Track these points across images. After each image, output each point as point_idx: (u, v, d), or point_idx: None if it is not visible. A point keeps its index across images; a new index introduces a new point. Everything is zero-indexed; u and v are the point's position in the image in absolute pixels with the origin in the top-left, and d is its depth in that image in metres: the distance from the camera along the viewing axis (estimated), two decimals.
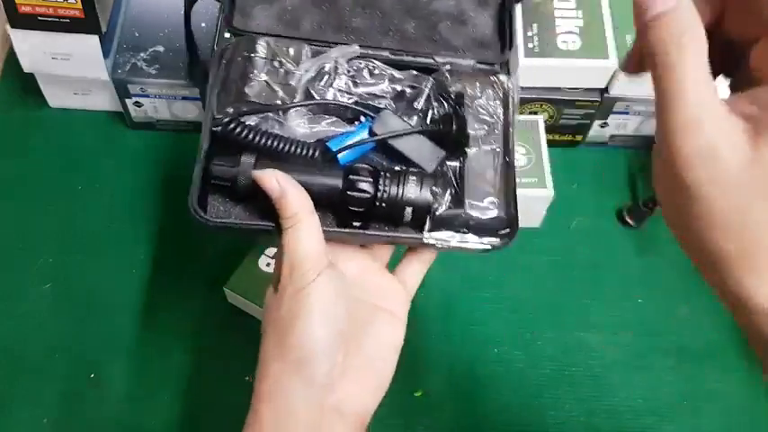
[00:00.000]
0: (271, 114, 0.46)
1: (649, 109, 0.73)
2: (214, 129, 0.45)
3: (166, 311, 0.66)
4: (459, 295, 0.68)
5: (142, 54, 0.69)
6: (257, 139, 0.44)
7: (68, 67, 0.68)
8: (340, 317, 0.41)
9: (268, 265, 0.64)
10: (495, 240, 0.45)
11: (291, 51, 0.48)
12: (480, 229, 0.45)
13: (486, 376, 0.64)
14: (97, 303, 0.66)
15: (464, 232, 0.45)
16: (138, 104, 0.72)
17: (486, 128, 0.48)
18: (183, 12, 0.71)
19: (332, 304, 0.40)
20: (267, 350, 0.41)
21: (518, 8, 0.71)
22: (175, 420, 0.61)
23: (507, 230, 0.46)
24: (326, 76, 0.48)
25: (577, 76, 0.71)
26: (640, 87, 0.71)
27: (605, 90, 0.72)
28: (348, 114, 0.48)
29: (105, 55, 0.68)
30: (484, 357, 0.65)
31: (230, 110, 0.45)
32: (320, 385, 0.40)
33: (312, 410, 0.40)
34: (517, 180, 0.70)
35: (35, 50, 0.67)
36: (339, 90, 0.48)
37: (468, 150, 0.47)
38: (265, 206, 0.44)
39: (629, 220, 0.72)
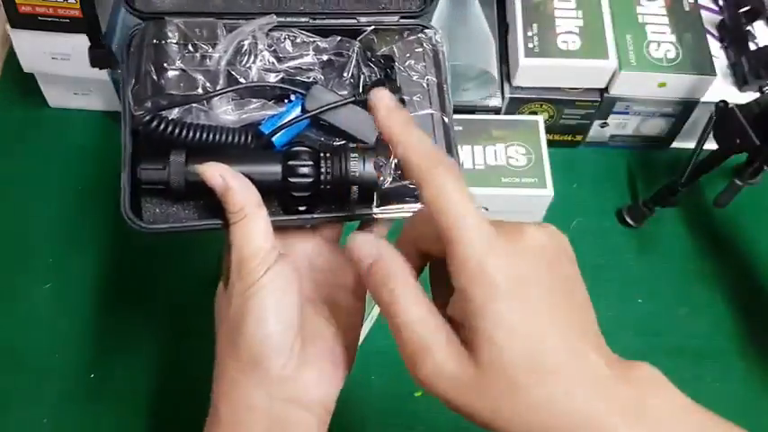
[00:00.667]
0: (194, 105, 0.43)
1: (649, 109, 0.73)
2: (135, 128, 0.42)
3: (166, 311, 0.66)
4: None
5: None
6: (184, 133, 0.41)
7: (68, 67, 0.68)
8: (291, 310, 0.40)
9: None
10: None
11: (204, 32, 0.44)
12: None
13: None
14: (97, 303, 0.66)
15: (413, 201, 0.43)
16: None
17: (420, 90, 0.46)
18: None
19: (282, 299, 0.39)
20: (221, 349, 0.41)
21: (518, 10, 0.71)
22: (175, 420, 0.61)
23: None
24: (247, 55, 0.44)
25: (577, 76, 0.71)
26: (640, 87, 0.71)
27: (605, 90, 0.72)
28: (276, 93, 0.45)
29: None
30: None
31: (149, 105, 0.41)
32: (277, 379, 0.39)
33: (271, 405, 0.39)
34: (517, 180, 0.70)
35: (35, 50, 0.67)
36: (263, 69, 0.44)
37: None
38: (208, 202, 0.41)
39: (629, 220, 0.72)
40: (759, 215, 0.74)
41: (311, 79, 0.46)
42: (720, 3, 0.78)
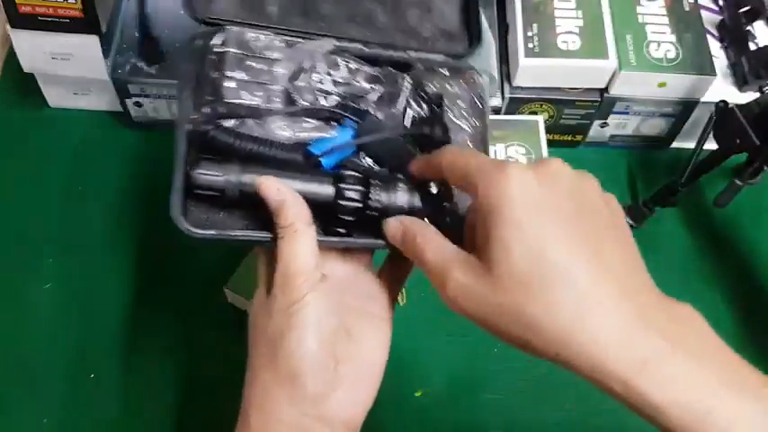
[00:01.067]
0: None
1: (649, 109, 0.74)
2: (191, 131, 0.42)
3: (166, 311, 0.66)
4: None
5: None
6: (239, 142, 0.41)
7: (68, 67, 0.68)
8: (330, 330, 0.41)
9: None
10: None
11: (264, 44, 0.45)
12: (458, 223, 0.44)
13: (486, 376, 0.64)
14: (97, 303, 0.66)
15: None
16: (138, 104, 0.72)
17: (464, 130, 0.47)
18: (183, 12, 0.71)
19: (323, 318, 0.40)
20: (257, 357, 0.41)
21: (518, 10, 0.71)
22: (175, 420, 0.61)
23: None
24: (305, 74, 0.45)
25: (577, 76, 0.71)
26: (640, 87, 0.71)
27: (605, 90, 0.72)
28: (328, 115, 0.45)
29: (105, 55, 0.68)
30: (484, 357, 0.65)
31: (207, 110, 0.42)
32: (311, 397, 0.40)
33: (300, 421, 0.40)
34: None
35: (35, 50, 0.67)
36: (318, 90, 0.45)
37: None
38: (257, 214, 0.42)
39: (629, 220, 0.72)
40: (759, 215, 0.74)
41: (364, 107, 0.46)
42: (720, 3, 0.78)
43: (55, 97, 0.75)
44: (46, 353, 0.63)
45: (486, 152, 0.49)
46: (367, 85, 0.47)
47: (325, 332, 0.40)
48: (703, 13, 0.75)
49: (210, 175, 0.41)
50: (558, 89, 0.72)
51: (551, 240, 0.33)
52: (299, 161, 0.43)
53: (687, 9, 0.74)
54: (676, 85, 0.71)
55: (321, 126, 0.45)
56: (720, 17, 0.77)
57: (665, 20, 0.73)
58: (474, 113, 0.49)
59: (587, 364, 0.34)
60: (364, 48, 0.48)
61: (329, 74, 0.46)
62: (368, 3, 0.50)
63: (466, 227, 0.41)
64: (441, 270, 0.37)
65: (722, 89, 0.72)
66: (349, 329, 0.42)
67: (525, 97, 0.71)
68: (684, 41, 0.71)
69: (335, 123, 0.45)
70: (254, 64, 0.44)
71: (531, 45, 0.69)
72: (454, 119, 0.48)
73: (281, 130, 0.43)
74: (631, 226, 0.72)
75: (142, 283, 0.67)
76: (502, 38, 0.73)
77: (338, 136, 0.45)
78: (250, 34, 0.45)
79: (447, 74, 0.50)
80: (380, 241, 0.44)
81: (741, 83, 0.73)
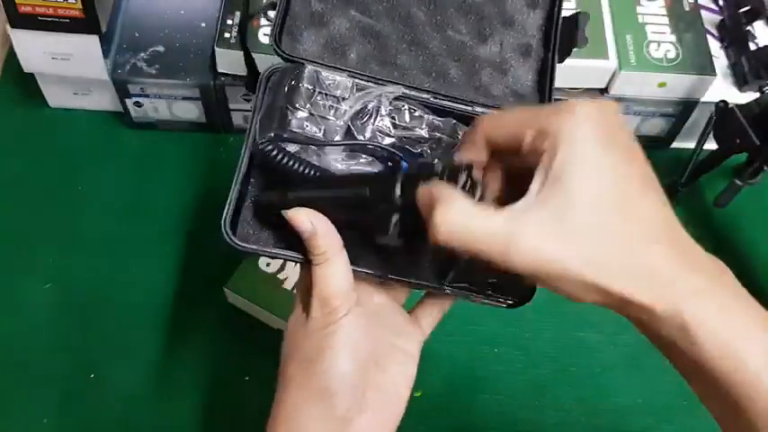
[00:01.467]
0: (311, 146, 0.46)
1: (649, 109, 0.74)
2: (253, 151, 0.45)
3: (166, 311, 0.66)
4: None
5: (142, 54, 0.69)
6: (296, 166, 0.44)
7: (68, 67, 0.68)
8: (365, 354, 0.42)
9: (268, 265, 0.64)
10: (511, 300, 0.46)
11: (337, 84, 0.48)
12: (500, 286, 0.45)
13: (486, 376, 0.64)
14: (98, 303, 0.66)
15: (485, 287, 0.45)
16: (138, 104, 0.72)
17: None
18: (184, 12, 0.71)
19: (357, 342, 0.41)
20: (289, 375, 0.42)
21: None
22: (175, 420, 0.61)
23: (528, 290, 0.46)
24: (368, 115, 0.48)
25: (577, 76, 0.71)
26: (640, 87, 0.71)
27: (605, 90, 0.72)
28: (385, 155, 0.48)
29: (105, 55, 0.68)
30: (484, 357, 0.65)
31: (272, 134, 0.45)
32: (339, 419, 0.41)
33: None
34: None
35: (35, 50, 0.67)
36: (379, 131, 0.48)
37: None
38: (296, 237, 0.44)
39: None
40: (759, 215, 0.74)
41: (419, 151, 0.48)
42: (720, 3, 0.78)
43: (55, 97, 0.75)
44: (46, 353, 0.63)
45: None
46: (426, 133, 0.49)
47: (359, 355, 0.42)
48: (703, 13, 0.75)
49: (272, 197, 0.45)
50: (558, 89, 0.71)
51: (626, 176, 0.33)
52: (348, 194, 0.45)
53: (687, 9, 0.74)
54: (676, 85, 0.71)
55: (375, 163, 0.47)
56: (720, 17, 0.77)
57: (665, 20, 0.73)
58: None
59: (646, 293, 0.34)
60: (431, 98, 0.50)
61: (392, 117, 0.48)
62: (444, 58, 0.52)
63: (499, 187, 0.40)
64: (441, 196, 0.35)
65: (722, 89, 0.72)
66: (378, 359, 0.43)
67: None
68: (684, 41, 0.71)
69: (390, 163, 0.47)
70: (321, 100, 0.47)
71: None
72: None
73: (337, 162, 0.46)
74: None
75: (142, 283, 0.67)
76: None
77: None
78: (324, 74, 0.48)
79: None
80: (416, 281, 0.45)
81: (741, 83, 0.73)
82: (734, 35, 0.74)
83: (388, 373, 0.44)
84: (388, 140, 0.48)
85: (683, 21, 0.73)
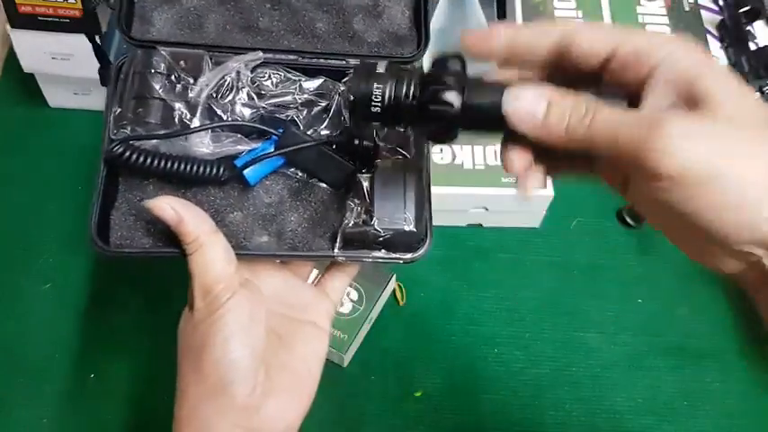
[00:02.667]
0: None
1: None
2: (108, 153, 0.43)
3: (166, 311, 0.66)
4: (459, 295, 0.68)
5: None
6: (155, 163, 0.43)
7: (68, 67, 0.68)
8: (257, 336, 0.40)
9: None
10: (406, 255, 0.44)
11: (190, 64, 0.45)
12: (390, 244, 0.44)
13: (486, 376, 0.64)
14: (97, 303, 0.66)
15: (376, 248, 0.44)
16: None
17: (400, 136, 0.46)
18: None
19: (247, 325, 0.40)
20: (184, 375, 0.41)
21: (518, 10, 0.71)
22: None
23: (419, 244, 0.44)
24: (229, 89, 0.45)
25: None
26: None
27: None
28: (253, 131, 0.46)
29: None
30: (484, 357, 0.65)
31: (127, 131, 0.43)
32: (241, 408, 0.39)
33: None
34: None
35: (35, 50, 0.67)
36: (243, 104, 0.45)
37: (378, 162, 0.45)
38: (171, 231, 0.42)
39: (629, 220, 0.72)
40: None
41: (289, 118, 0.46)
42: (720, 3, 0.78)
43: (55, 97, 0.74)
44: (46, 353, 0.63)
45: (422, 150, 0.46)
46: (294, 96, 0.46)
47: (253, 338, 0.40)
48: (703, 13, 0.75)
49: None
50: None
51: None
52: (220, 176, 0.44)
53: (687, 9, 0.74)
54: None
55: (243, 140, 0.45)
56: (720, 17, 0.77)
57: (665, 20, 0.73)
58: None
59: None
60: (298, 58, 0.47)
61: (257, 87, 0.46)
62: (311, 12, 0.49)
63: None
64: (649, 121, 0.30)
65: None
66: (282, 337, 0.42)
67: None
68: None
69: (264, 138, 0.45)
70: (175, 81, 0.45)
71: None
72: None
73: (203, 147, 0.44)
74: (631, 226, 0.72)
75: (141, 282, 0.67)
76: None
77: (261, 148, 0.45)
78: (177, 55, 0.45)
79: None
80: (305, 253, 0.44)
81: None
82: (734, 35, 0.74)
83: (293, 349, 0.42)
84: (251, 113, 0.46)
85: (683, 21, 0.73)
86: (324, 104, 0.47)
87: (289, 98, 0.46)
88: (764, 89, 0.70)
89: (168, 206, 0.40)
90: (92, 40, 0.55)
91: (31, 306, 0.65)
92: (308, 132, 0.45)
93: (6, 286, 0.66)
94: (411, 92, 0.36)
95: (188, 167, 0.43)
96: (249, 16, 0.49)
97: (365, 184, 0.44)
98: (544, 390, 0.64)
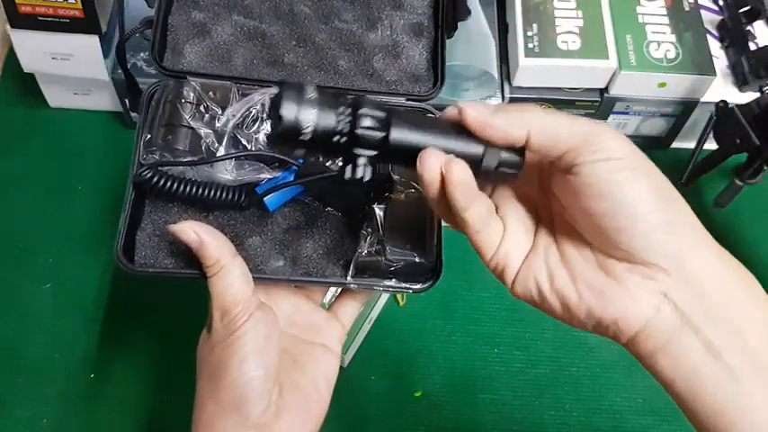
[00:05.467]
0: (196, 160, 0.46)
1: (649, 109, 0.73)
2: (137, 177, 0.45)
3: (166, 311, 0.66)
4: (459, 295, 0.68)
5: (142, 54, 0.69)
6: (181, 188, 0.45)
7: (68, 68, 0.68)
8: (271, 357, 0.42)
9: None
10: (415, 285, 0.45)
11: (218, 95, 0.47)
12: (402, 273, 0.45)
13: (486, 376, 0.64)
14: (97, 303, 0.66)
15: (387, 277, 0.45)
16: None
17: (413, 170, 0.47)
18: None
19: (262, 346, 0.41)
20: (202, 392, 0.42)
21: (518, 10, 0.71)
22: (175, 421, 0.61)
23: (430, 275, 0.46)
24: (253, 120, 0.47)
25: (577, 76, 0.71)
26: (640, 87, 0.71)
27: (605, 90, 0.72)
28: (274, 160, 0.48)
29: (105, 55, 0.68)
30: (484, 357, 0.65)
31: (156, 156, 0.45)
32: (255, 425, 0.40)
33: None
34: None
35: (35, 50, 0.67)
36: (266, 134, 0.47)
37: (392, 195, 0.46)
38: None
39: None
40: (759, 215, 0.74)
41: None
42: (720, 3, 0.78)
43: (55, 97, 0.75)
44: (46, 352, 0.63)
45: None
46: None
47: (268, 359, 0.41)
48: (703, 12, 0.75)
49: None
50: (558, 89, 0.72)
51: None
52: (241, 201, 0.46)
53: (687, 9, 0.74)
54: (676, 86, 0.70)
55: (265, 169, 0.47)
56: (720, 17, 0.77)
57: (665, 20, 0.73)
58: None
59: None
60: None
61: None
62: (334, 51, 0.52)
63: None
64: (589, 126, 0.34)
65: (722, 89, 0.72)
66: (294, 357, 0.44)
67: (525, 97, 0.71)
68: (684, 41, 0.71)
69: (281, 165, 0.47)
70: (205, 113, 0.47)
71: (531, 45, 0.69)
72: None
73: (226, 172, 0.46)
74: None
75: (141, 283, 0.67)
76: (502, 38, 0.73)
77: (281, 177, 0.46)
78: (206, 86, 0.47)
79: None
80: (319, 279, 0.46)
81: (741, 83, 0.73)
82: (734, 35, 0.74)
83: (306, 372, 0.44)
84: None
85: (683, 21, 0.73)
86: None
87: None
88: (764, 89, 0.70)
89: (191, 230, 0.42)
90: (124, 69, 0.57)
91: (31, 306, 0.65)
92: (328, 163, 0.47)
93: (6, 286, 0.66)
94: (341, 129, 0.36)
95: (211, 193, 0.45)
96: (275, 52, 0.51)
97: (379, 215, 0.46)
98: (544, 389, 0.64)
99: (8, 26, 0.64)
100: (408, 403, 0.63)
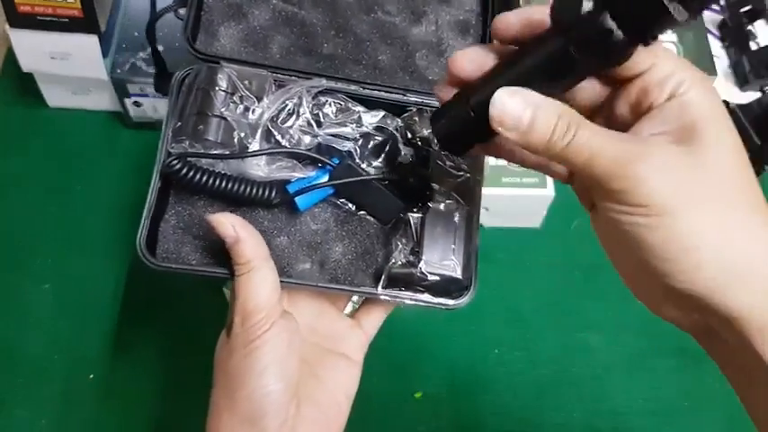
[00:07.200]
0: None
1: None
2: (164, 167, 0.43)
3: (166, 311, 0.66)
4: None
5: (141, 54, 0.69)
6: (210, 180, 0.43)
7: (67, 67, 0.68)
8: (291, 369, 0.40)
9: None
10: (449, 301, 0.44)
11: (254, 84, 0.45)
12: (435, 288, 0.44)
13: (487, 377, 0.64)
14: (97, 303, 0.65)
15: (419, 290, 0.44)
16: (137, 104, 0.71)
17: (454, 180, 0.46)
18: (182, 11, 0.71)
19: (284, 357, 0.40)
20: (218, 400, 0.41)
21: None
22: (175, 421, 0.61)
23: (464, 291, 0.44)
24: (289, 114, 0.45)
25: None
26: None
27: None
28: (307, 158, 0.46)
29: (104, 54, 0.67)
30: (484, 358, 0.65)
31: (185, 145, 0.43)
32: None
33: None
34: (518, 180, 0.69)
35: (34, 50, 0.67)
36: (302, 130, 0.45)
37: (431, 204, 0.45)
38: (221, 247, 0.42)
39: None
40: None
41: (346, 149, 0.46)
42: (721, 2, 0.77)
43: (54, 97, 0.74)
44: (45, 353, 0.63)
45: (474, 197, 0.46)
46: (353, 128, 0.46)
47: (288, 371, 0.40)
48: (704, 12, 0.75)
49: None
50: None
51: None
52: (271, 198, 0.44)
53: None
54: None
55: (298, 166, 0.45)
56: (721, 17, 0.76)
57: None
58: (466, 161, 0.47)
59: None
60: (359, 88, 0.47)
61: (317, 114, 0.46)
62: (375, 43, 0.49)
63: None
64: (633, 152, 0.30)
65: (723, 89, 0.72)
66: (314, 368, 0.42)
67: None
68: (685, 41, 0.71)
69: (318, 166, 0.45)
70: (238, 102, 0.44)
71: None
72: (443, 163, 0.46)
73: (258, 169, 0.44)
74: None
75: (141, 283, 0.67)
76: None
77: (314, 177, 0.45)
78: (241, 73, 0.45)
79: None
80: (348, 288, 0.44)
81: (742, 83, 0.72)
82: (735, 35, 0.74)
83: (325, 382, 0.42)
84: (309, 140, 0.45)
85: None
86: (381, 139, 0.46)
87: (347, 129, 0.46)
88: (765, 89, 0.70)
89: (230, 224, 0.40)
90: (153, 48, 0.56)
91: (31, 306, 0.65)
92: (363, 165, 0.46)
93: (6, 286, 0.66)
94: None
95: (241, 188, 0.43)
96: (314, 41, 0.48)
97: (414, 224, 0.44)
98: (545, 390, 0.64)
99: (7, 26, 0.64)
100: (408, 403, 0.63)
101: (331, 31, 0.49)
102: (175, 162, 0.42)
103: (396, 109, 0.47)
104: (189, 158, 0.43)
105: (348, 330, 0.45)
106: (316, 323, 0.44)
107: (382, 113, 0.47)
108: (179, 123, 0.44)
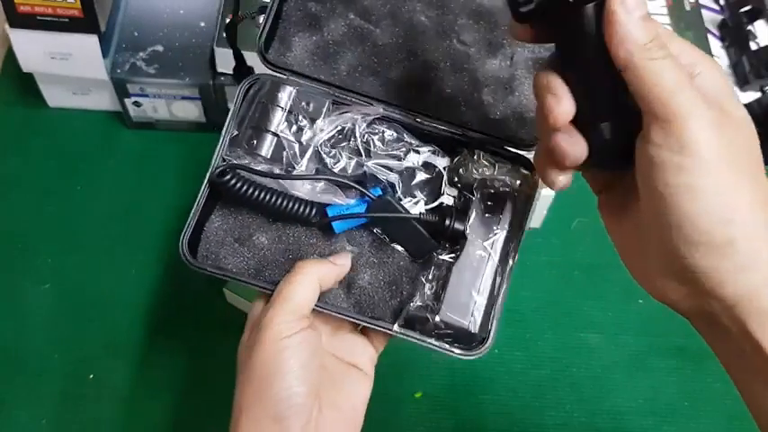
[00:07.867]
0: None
1: None
2: (214, 176, 0.45)
3: (166, 312, 0.66)
4: None
5: (141, 54, 0.69)
6: (256, 194, 0.45)
7: (67, 67, 0.68)
8: (315, 373, 0.42)
9: None
10: (462, 352, 0.44)
11: (312, 106, 0.46)
12: (449, 336, 0.44)
13: (487, 377, 0.64)
14: (97, 303, 0.65)
15: (432, 335, 0.44)
16: (137, 104, 0.71)
17: (491, 230, 0.45)
18: (183, 12, 0.71)
19: (309, 361, 0.41)
20: (244, 396, 0.42)
21: None
22: (175, 421, 0.61)
23: (477, 345, 0.44)
24: (341, 136, 0.46)
25: None
26: None
27: None
28: (352, 187, 0.47)
29: (104, 54, 0.67)
30: (484, 358, 0.65)
31: (233, 157, 0.45)
32: None
33: None
34: None
35: (34, 50, 0.67)
36: (349, 156, 0.46)
37: (461, 254, 0.44)
38: (257, 258, 0.44)
39: None
40: None
41: (390, 180, 0.46)
42: (721, 2, 0.77)
43: (54, 97, 0.74)
44: (45, 353, 0.63)
45: (507, 252, 0.46)
46: (402, 161, 0.46)
47: (312, 375, 0.42)
48: (704, 12, 0.75)
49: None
50: None
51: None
52: (311, 218, 0.46)
53: (688, 8, 0.74)
54: None
55: (338, 191, 0.46)
56: (721, 17, 0.76)
57: (666, 19, 0.72)
58: (507, 214, 0.45)
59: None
60: (416, 119, 0.47)
61: (367, 142, 0.46)
62: (443, 72, 0.48)
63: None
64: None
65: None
66: (332, 375, 0.44)
67: None
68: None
69: (359, 195, 0.47)
70: (294, 123, 0.46)
71: None
72: (487, 213, 0.45)
73: (301, 187, 0.46)
74: None
75: (141, 283, 0.67)
76: None
77: (354, 205, 0.46)
78: (302, 94, 0.46)
79: (495, 163, 0.46)
80: (368, 320, 0.45)
81: (742, 83, 0.72)
82: (735, 35, 0.74)
83: (343, 391, 0.44)
84: (355, 166, 0.46)
85: (684, 20, 0.73)
86: (426, 177, 0.47)
87: (394, 162, 0.46)
88: (765, 89, 0.70)
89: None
90: (233, 46, 0.59)
91: (30, 306, 0.65)
92: (404, 200, 0.46)
93: (6, 286, 0.66)
94: None
95: (285, 204, 0.45)
96: (382, 61, 0.48)
97: (443, 266, 0.45)
98: (544, 390, 0.64)
99: (7, 26, 0.64)
100: (408, 403, 0.63)
101: (401, 53, 0.48)
102: (227, 175, 0.44)
103: (448, 143, 0.47)
104: (238, 170, 0.45)
105: (361, 346, 0.47)
106: (333, 336, 0.47)
107: (432, 149, 0.47)
108: (236, 133, 0.46)
